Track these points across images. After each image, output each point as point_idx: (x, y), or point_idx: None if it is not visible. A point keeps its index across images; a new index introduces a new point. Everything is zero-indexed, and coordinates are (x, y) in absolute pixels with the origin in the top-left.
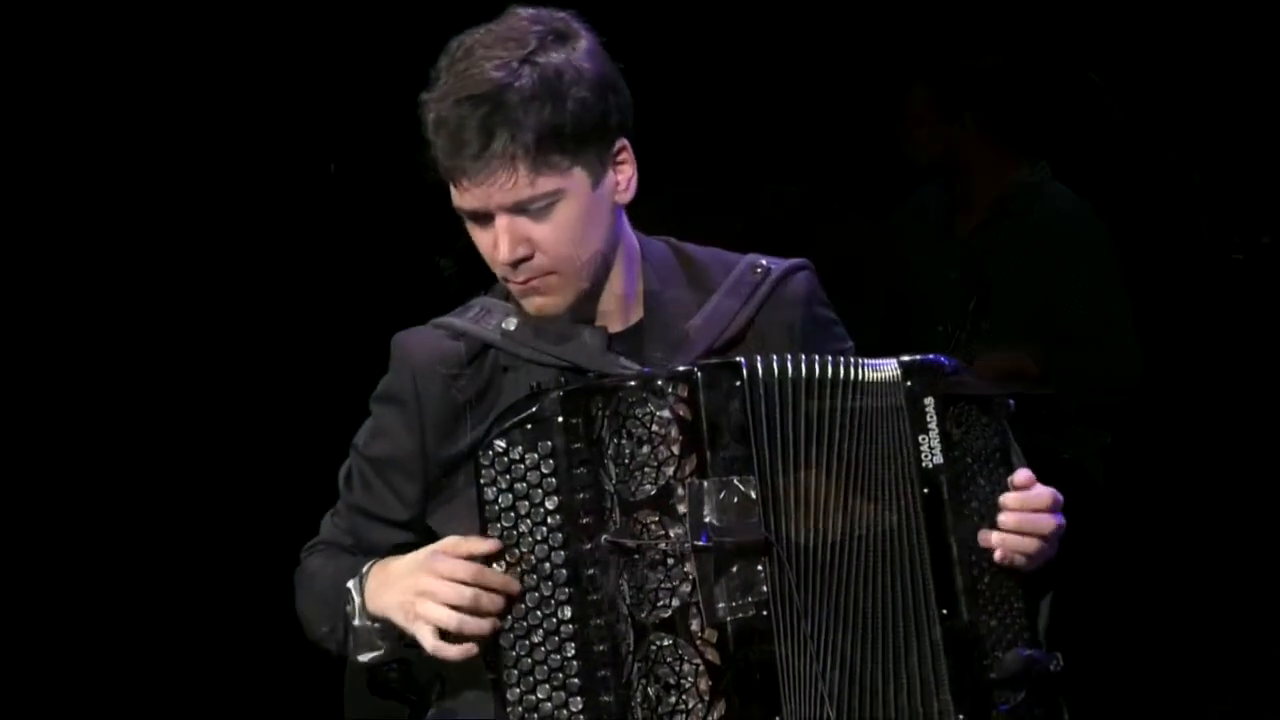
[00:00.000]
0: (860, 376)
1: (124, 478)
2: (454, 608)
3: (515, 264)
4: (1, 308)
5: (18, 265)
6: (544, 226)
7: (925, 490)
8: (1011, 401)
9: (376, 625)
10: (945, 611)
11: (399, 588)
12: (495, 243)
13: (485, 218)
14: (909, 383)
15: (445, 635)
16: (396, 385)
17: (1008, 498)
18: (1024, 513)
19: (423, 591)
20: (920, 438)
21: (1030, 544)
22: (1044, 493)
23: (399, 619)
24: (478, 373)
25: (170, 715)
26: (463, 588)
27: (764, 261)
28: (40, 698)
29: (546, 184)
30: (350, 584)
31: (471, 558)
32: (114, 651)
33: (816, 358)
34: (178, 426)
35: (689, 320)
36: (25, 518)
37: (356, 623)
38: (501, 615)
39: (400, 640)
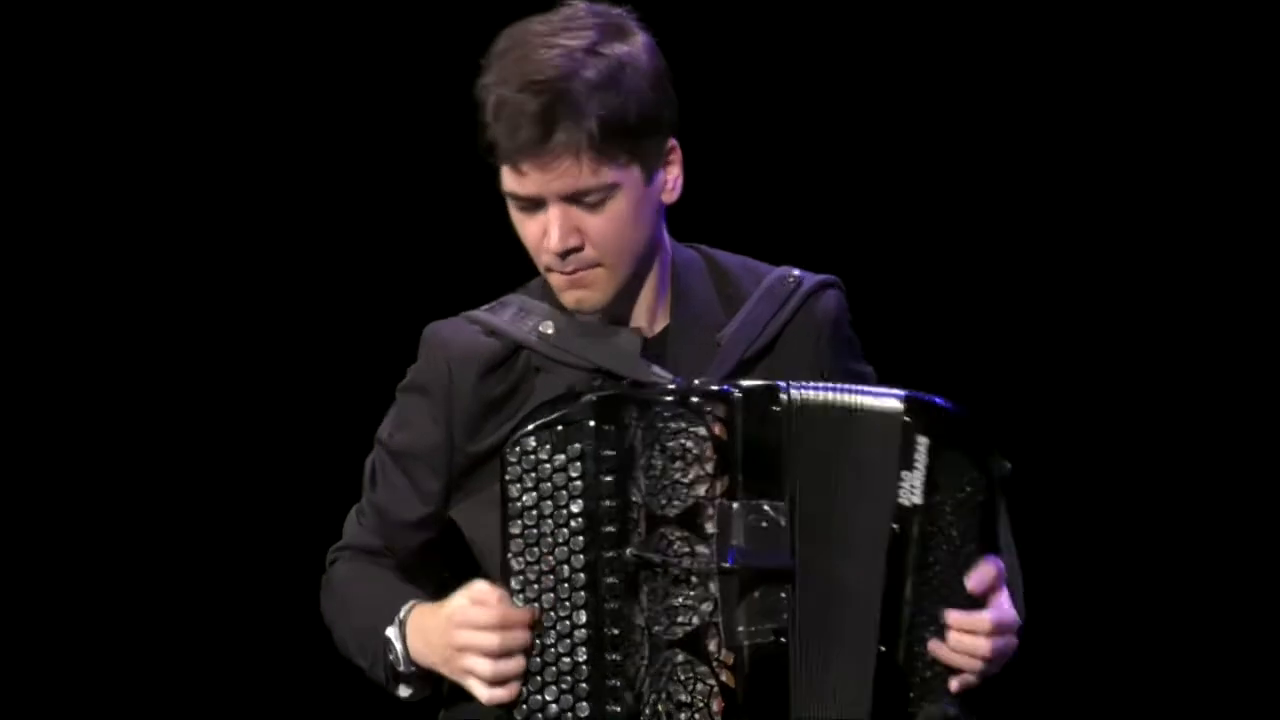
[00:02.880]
0: (860, 403)
1: (133, 482)
2: (489, 655)
3: (564, 254)
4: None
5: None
6: (597, 218)
7: (895, 526)
8: (1008, 464)
9: (418, 670)
10: (883, 648)
11: (438, 644)
12: (544, 230)
13: (537, 204)
14: (907, 418)
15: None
16: (428, 375)
17: (952, 618)
18: (963, 635)
19: (460, 648)
20: (904, 474)
21: (970, 664)
22: (984, 619)
23: (446, 673)
24: (509, 372)
25: (173, 716)
26: (492, 636)
27: (796, 273)
28: (44, 699)
29: (606, 175)
30: (390, 633)
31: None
32: (122, 652)
33: (843, 386)
34: (186, 427)
35: (717, 328)
36: (28, 518)
37: (401, 669)
38: (530, 650)
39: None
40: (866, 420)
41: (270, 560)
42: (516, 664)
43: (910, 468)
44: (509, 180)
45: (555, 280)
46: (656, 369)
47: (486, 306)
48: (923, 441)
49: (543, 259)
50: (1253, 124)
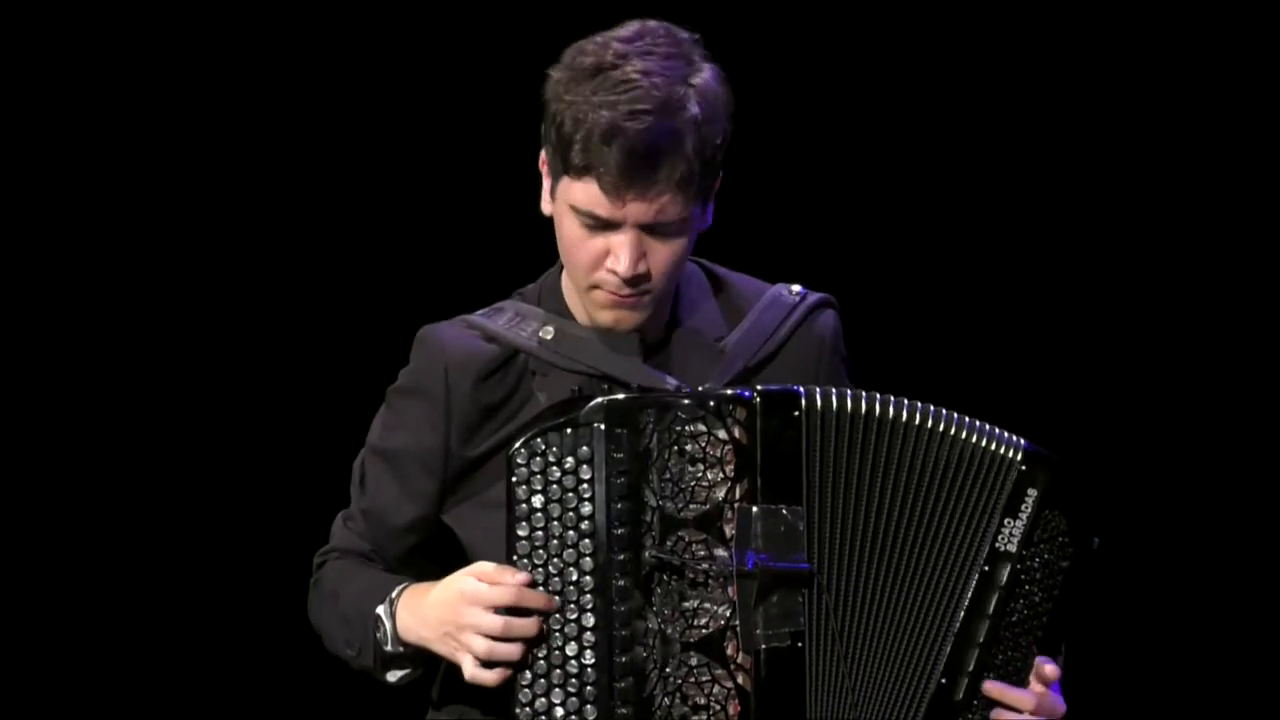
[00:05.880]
0: (974, 439)
1: (123, 482)
2: (491, 637)
3: (632, 280)
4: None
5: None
6: (664, 248)
7: (986, 567)
8: (1098, 539)
9: (408, 650)
10: (944, 681)
11: (436, 620)
12: (607, 251)
13: (609, 226)
14: (1025, 466)
15: (483, 663)
16: (424, 378)
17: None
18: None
19: (465, 625)
20: (1006, 520)
21: None
22: (1028, 699)
23: (440, 650)
24: (505, 376)
25: (173, 715)
26: (496, 617)
27: (797, 288)
28: (44, 698)
29: (687, 210)
30: (380, 610)
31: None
32: (112, 652)
33: (891, 398)
34: (176, 430)
35: (718, 337)
36: (18, 518)
37: (389, 649)
38: (535, 638)
39: (429, 659)
40: (978, 454)
41: (258, 564)
42: (512, 649)
43: (1015, 516)
44: (593, 200)
45: (598, 298)
46: (662, 375)
47: (481, 312)
48: (1032, 494)
49: (594, 275)
50: (1253, 125)
